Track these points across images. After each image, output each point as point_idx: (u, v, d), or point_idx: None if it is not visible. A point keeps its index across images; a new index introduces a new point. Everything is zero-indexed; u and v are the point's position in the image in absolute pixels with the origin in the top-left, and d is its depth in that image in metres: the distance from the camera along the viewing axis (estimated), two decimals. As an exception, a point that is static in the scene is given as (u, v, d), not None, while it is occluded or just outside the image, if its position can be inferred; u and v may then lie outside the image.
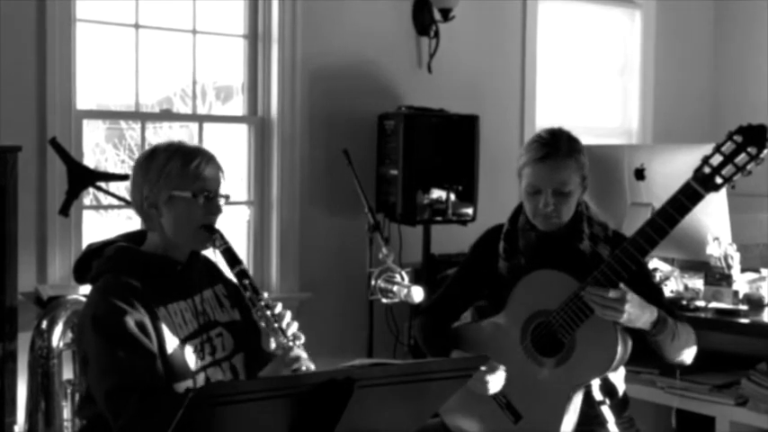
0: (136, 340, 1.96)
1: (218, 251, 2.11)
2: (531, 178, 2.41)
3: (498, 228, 2.58)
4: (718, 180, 2.16)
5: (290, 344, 2.04)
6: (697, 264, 3.41)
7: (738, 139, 2.14)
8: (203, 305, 2.17)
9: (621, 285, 2.25)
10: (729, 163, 2.14)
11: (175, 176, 2.07)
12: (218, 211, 2.12)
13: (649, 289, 2.41)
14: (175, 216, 2.09)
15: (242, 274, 2.10)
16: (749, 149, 2.13)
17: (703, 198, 2.19)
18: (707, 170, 2.17)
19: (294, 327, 2.09)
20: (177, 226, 2.10)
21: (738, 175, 2.15)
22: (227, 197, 2.15)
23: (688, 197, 2.18)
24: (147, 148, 2.32)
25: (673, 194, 2.21)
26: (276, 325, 2.05)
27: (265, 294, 2.11)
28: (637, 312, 2.24)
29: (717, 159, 2.16)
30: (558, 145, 2.39)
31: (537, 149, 2.40)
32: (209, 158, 2.11)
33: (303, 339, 2.09)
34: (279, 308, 2.09)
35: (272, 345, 2.08)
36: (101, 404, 1.97)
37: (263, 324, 2.08)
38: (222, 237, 2.11)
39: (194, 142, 4.02)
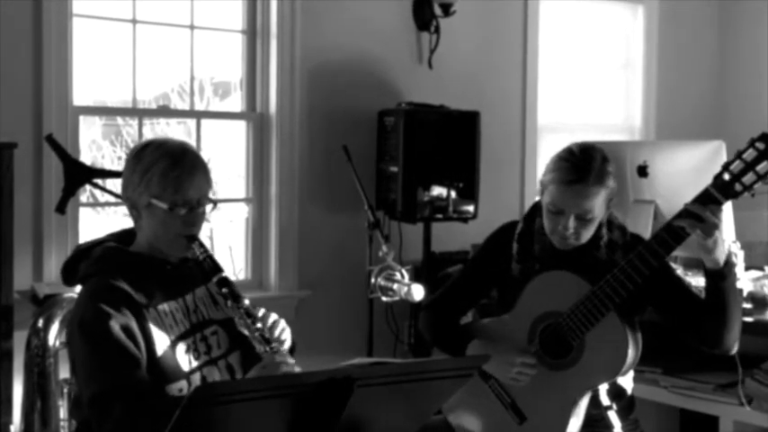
0: (121, 346, 1.93)
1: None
2: (556, 199, 2.31)
3: (512, 225, 2.52)
4: (738, 188, 2.11)
5: (269, 350, 2.00)
6: (701, 261, 3.37)
7: (761, 146, 2.09)
8: (196, 303, 2.14)
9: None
10: (750, 170, 2.09)
11: (156, 184, 2.02)
12: (198, 221, 2.08)
13: (673, 282, 2.37)
14: (153, 224, 2.06)
15: (222, 282, 2.06)
16: None
17: (722, 206, 2.15)
18: (727, 177, 2.12)
19: (279, 329, 2.06)
20: (155, 233, 2.07)
21: (759, 183, 2.10)
22: (214, 204, 2.10)
23: (707, 204, 2.13)
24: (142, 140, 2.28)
25: (691, 200, 2.16)
26: (258, 333, 2.02)
27: (246, 301, 2.06)
28: (719, 240, 2.17)
29: (738, 166, 2.11)
30: (589, 170, 2.27)
31: (567, 171, 2.28)
32: (192, 167, 2.04)
33: (286, 345, 2.06)
34: (261, 312, 2.06)
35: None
36: (85, 410, 1.95)
37: (245, 332, 2.05)
38: (202, 245, 2.07)
39: (192, 139, 4.02)
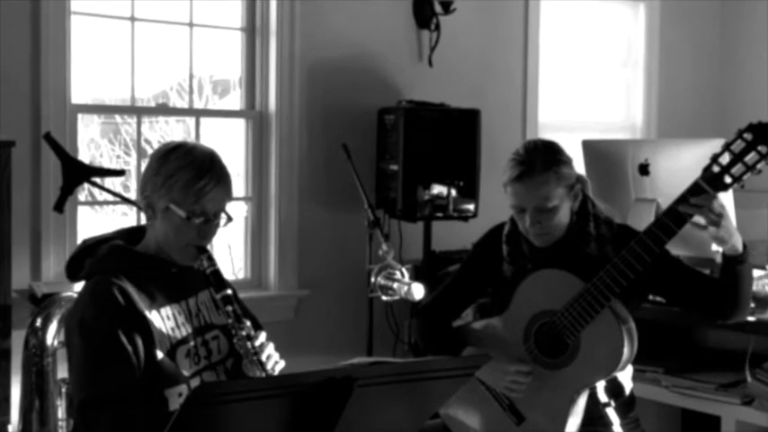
0: (118, 350, 1.92)
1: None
2: (513, 198, 2.36)
3: (500, 227, 2.53)
4: (728, 179, 2.12)
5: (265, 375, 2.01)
6: (702, 261, 3.36)
7: (748, 137, 2.09)
8: (199, 307, 2.13)
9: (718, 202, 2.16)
10: (739, 162, 2.10)
11: (178, 190, 2.01)
12: (211, 234, 2.07)
13: (673, 263, 2.40)
14: (167, 228, 2.05)
15: (226, 300, 2.05)
16: (759, 148, 2.08)
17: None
18: (716, 169, 2.12)
19: (274, 359, 2.07)
20: (166, 237, 2.06)
21: (748, 174, 2.11)
22: (229, 218, 2.09)
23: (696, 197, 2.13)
24: (167, 141, 2.24)
25: (681, 194, 2.16)
26: (255, 357, 2.02)
27: (248, 323, 2.06)
28: (731, 228, 2.19)
29: (726, 158, 2.11)
30: (533, 162, 2.32)
31: (513, 168, 2.34)
32: (217, 180, 2.03)
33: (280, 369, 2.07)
34: (261, 338, 2.06)
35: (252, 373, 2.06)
36: (75, 413, 1.94)
37: (242, 353, 2.05)
38: (211, 258, 2.07)
39: (191, 137, 4.00)
